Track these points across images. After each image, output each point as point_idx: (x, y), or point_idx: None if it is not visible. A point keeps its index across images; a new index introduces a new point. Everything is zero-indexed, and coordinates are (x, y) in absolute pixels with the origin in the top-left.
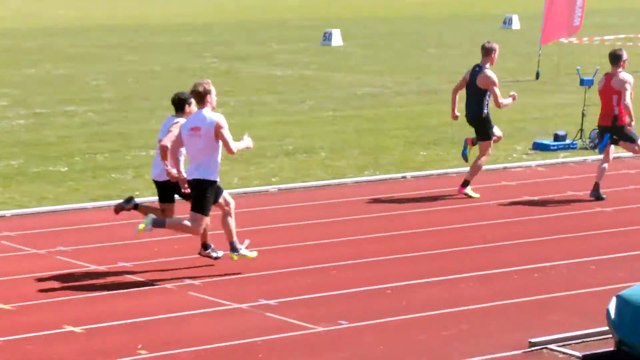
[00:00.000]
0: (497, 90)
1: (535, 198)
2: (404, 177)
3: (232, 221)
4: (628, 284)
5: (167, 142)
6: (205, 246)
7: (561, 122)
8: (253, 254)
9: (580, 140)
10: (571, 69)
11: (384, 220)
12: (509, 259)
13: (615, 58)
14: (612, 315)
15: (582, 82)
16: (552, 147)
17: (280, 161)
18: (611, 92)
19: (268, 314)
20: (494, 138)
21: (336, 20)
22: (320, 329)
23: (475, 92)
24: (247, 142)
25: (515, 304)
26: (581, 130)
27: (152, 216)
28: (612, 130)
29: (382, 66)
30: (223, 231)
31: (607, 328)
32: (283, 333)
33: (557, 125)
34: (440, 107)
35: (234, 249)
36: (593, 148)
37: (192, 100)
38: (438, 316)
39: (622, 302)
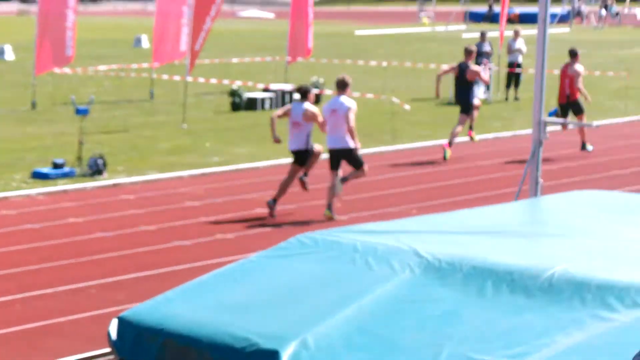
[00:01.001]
0: (483, 75)
1: (37, 226)
2: None
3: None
4: (128, 306)
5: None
6: (304, 178)
7: (60, 150)
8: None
9: (78, 168)
10: (67, 99)
11: None
12: (6, 288)
13: (574, 54)
14: (114, 337)
15: (78, 112)
16: (51, 175)
17: None
18: (566, 77)
19: None
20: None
21: None
22: None
23: (465, 82)
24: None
25: (16, 332)
26: (79, 158)
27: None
28: (568, 105)
29: None
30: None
31: (109, 350)
32: None
33: (56, 154)
34: None
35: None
36: (91, 175)
37: (313, 90)
38: None
39: (123, 323)
